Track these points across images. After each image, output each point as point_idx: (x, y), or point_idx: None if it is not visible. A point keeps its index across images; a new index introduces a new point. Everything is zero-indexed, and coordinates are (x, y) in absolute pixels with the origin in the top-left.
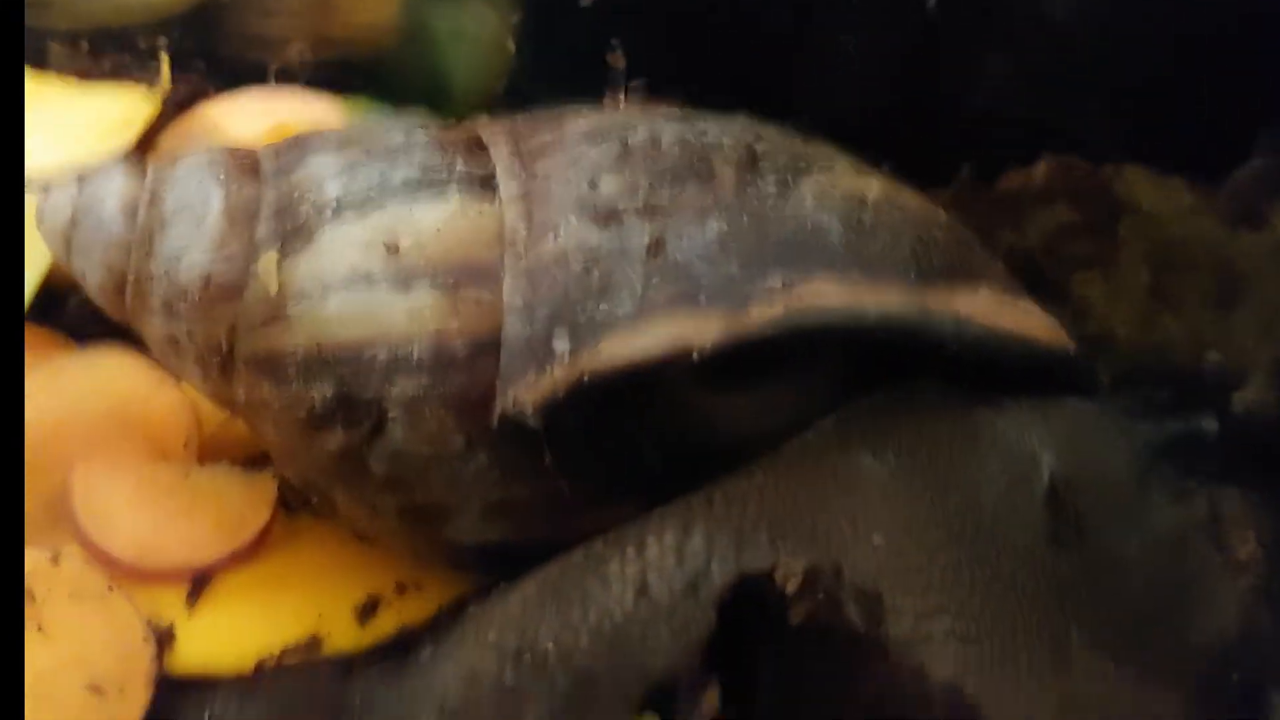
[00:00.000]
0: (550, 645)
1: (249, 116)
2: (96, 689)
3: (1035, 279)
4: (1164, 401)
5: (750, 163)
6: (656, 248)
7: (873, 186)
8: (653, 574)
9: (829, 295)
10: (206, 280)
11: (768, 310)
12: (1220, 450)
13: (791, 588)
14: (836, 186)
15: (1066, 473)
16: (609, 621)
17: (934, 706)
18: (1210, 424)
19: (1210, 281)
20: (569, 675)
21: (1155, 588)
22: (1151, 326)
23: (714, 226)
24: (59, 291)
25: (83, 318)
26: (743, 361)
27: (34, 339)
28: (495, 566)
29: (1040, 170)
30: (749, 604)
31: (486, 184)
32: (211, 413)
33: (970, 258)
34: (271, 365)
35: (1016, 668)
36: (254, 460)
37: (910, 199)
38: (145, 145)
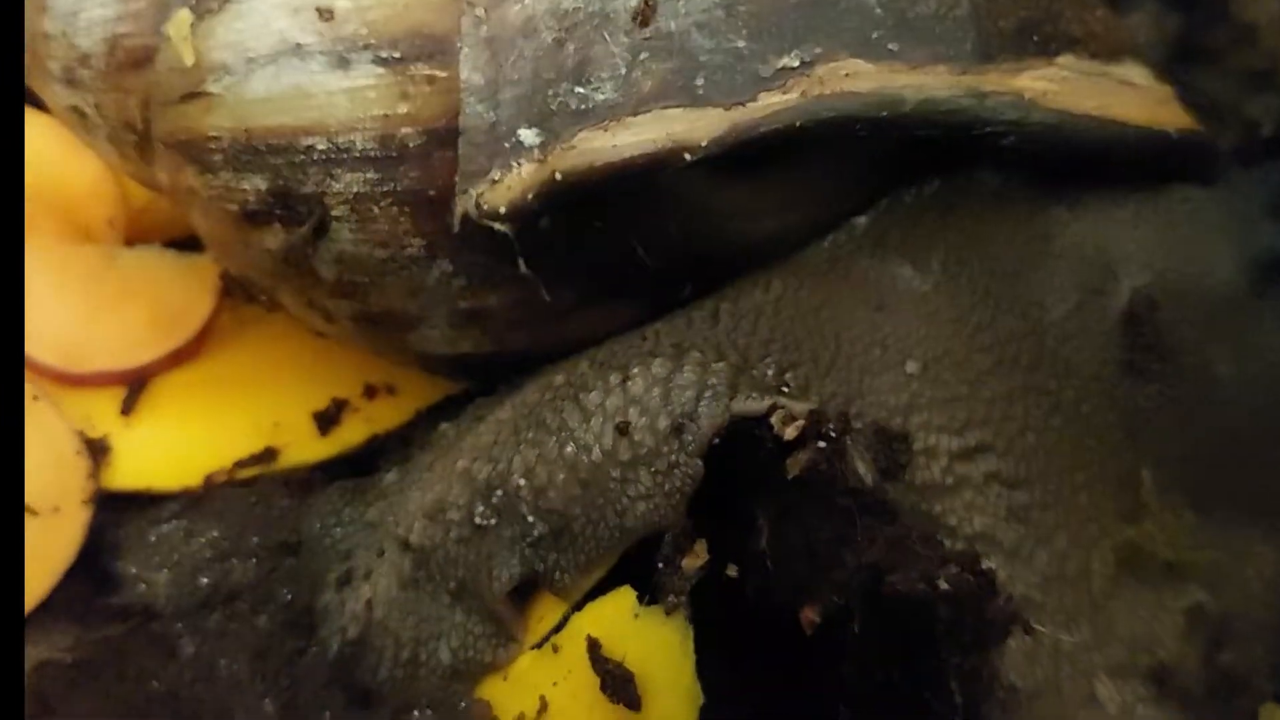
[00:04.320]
0: (522, 481)
1: None
2: (29, 509)
3: None
4: None
5: None
6: (646, 12)
7: None
8: (634, 410)
9: (858, 78)
10: (111, 44)
11: (780, 98)
12: None
13: (790, 434)
14: None
15: (1153, 286)
16: (586, 460)
17: (943, 572)
18: None
19: None
20: (541, 517)
21: (1259, 421)
22: None
23: None
24: None
25: None
26: (753, 153)
27: None
28: (476, 375)
29: None
30: (743, 450)
31: None
32: (138, 186)
33: (1055, 10)
34: (194, 150)
35: (1072, 513)
36: (192, 241)
37: None
38: None
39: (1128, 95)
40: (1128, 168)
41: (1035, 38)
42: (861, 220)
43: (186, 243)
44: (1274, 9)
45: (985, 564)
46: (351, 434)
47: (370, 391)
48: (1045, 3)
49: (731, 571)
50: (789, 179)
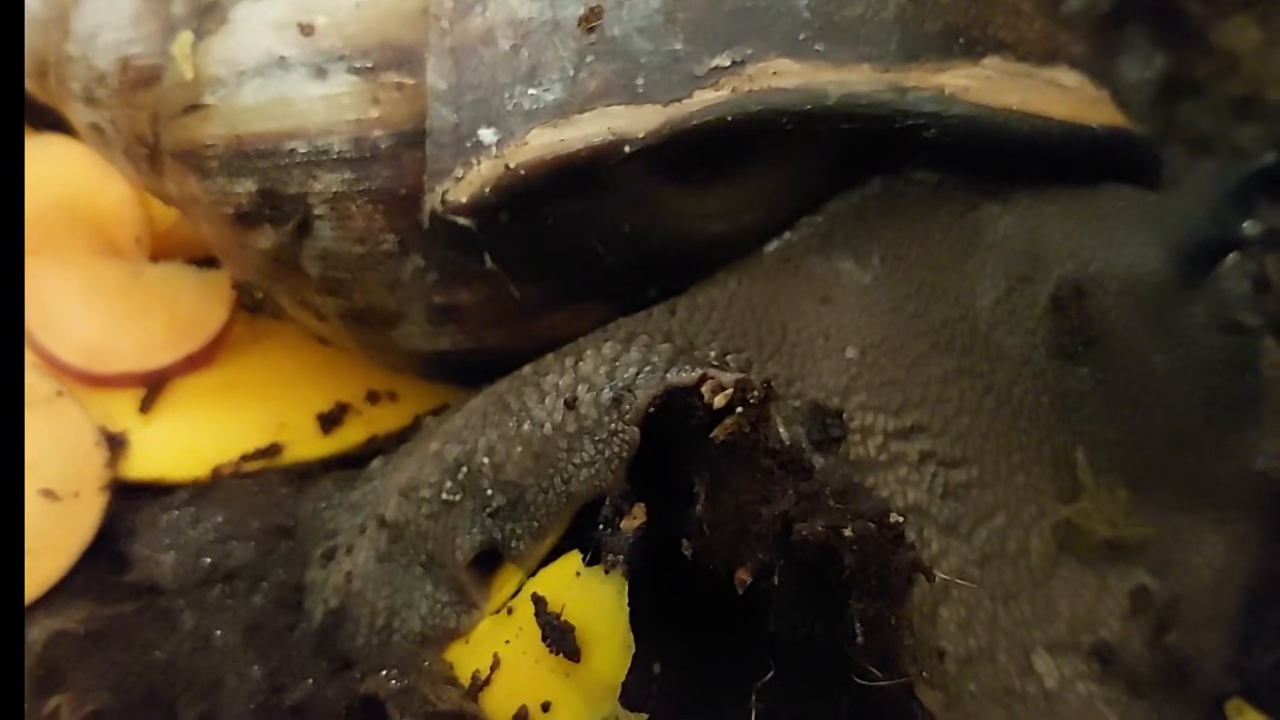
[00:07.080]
0: (485, 459)
1: None
2: (49, 494)
3: (1175, 28)
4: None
5: None
6: (592, 19)
7: None
8: (582, 387)
9: (785, 75)
10: (124, 64)
11: (711, 95)
12: None
13: (719, 403)
14: None
15: (1079, 273)
16: (538, 434)
17: (850, 522)
18: (1253, 228)
19: None
20: (499, 489)
21: (1189, 409)
22: None
23: None
24: None
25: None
26: (697, 151)
27: None
28: (463, 376)
29: None
30: (681, 420)
31: None
32: (164, 208)
33: (984, 17)
34: (195, 158)
35: (1010, 492)
36: (211, 259)
37: None
38: None
39: (1054, 93)
40: (1056, 163)
41: (961, 40)
42: (811, 220)
43: (206, 261)
44: (1253, 36)
45: (894, 518)
46: (352, 434)
47: (373, 397)
48: (974, 10)
49: (686, 550)
50: (733, 181)
